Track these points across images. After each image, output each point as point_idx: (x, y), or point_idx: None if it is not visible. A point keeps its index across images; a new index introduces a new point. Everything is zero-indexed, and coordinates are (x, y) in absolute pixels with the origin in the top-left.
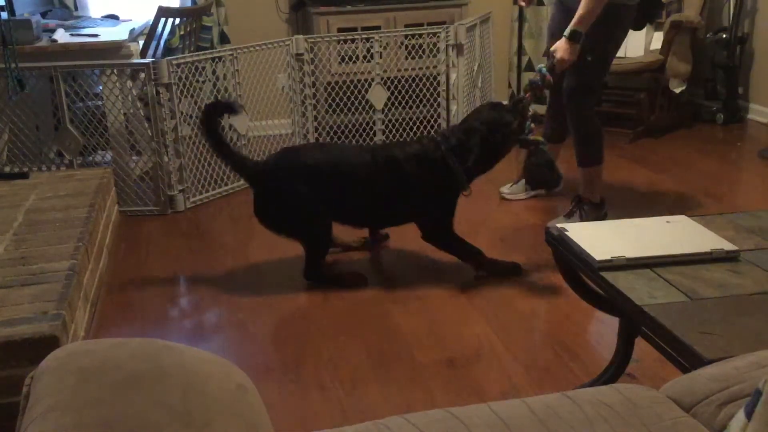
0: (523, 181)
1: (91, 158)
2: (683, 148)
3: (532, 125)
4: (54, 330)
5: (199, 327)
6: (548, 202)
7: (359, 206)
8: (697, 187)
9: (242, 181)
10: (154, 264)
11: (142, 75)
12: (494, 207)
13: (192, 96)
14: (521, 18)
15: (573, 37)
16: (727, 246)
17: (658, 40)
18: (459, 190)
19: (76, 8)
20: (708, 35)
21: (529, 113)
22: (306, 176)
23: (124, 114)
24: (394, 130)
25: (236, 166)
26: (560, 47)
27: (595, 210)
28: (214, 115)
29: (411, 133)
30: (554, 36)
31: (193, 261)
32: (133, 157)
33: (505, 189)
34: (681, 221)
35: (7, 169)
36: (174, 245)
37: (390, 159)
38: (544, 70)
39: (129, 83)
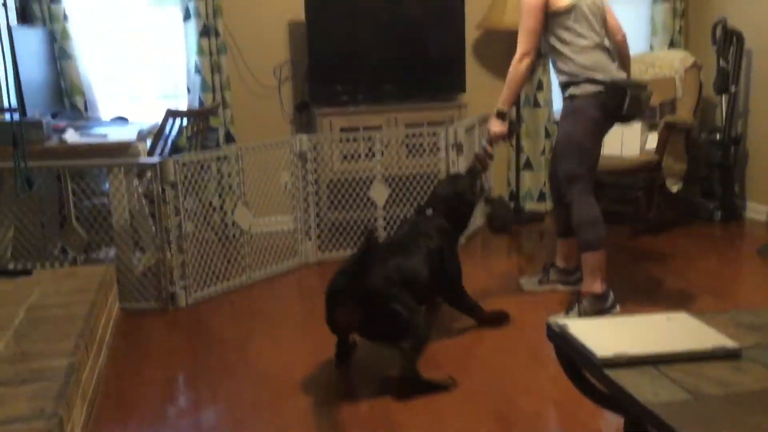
0: (539, 276)
1: (94, 255)
2: (682, 245)
3: (489, 185)
4: (51, 429)
5: (197, 426)
6: (560, 297)
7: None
8: (698, 284)
9: (243, 278)
10: (153, 361)
11: (149, 173)
12: (498, 301)
13: (197, 193)
14: (519, 119)
15: (498, 115)
16: (729, 343)
17: (653, 140)
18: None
19: (87, 110)
20: (702, 135)
21: (484, 178)
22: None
23: (129, 211)
24: (395, 226)
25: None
26: (491, 123)
27: (597, 302)
28: None
29: None
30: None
31: (192, 358)
32: (136, 254)
33: (523, 280)
34: (682, 318)
35: (11, 266)
36: (173, 342)
37: (431, 238)
38: (484, 143)
39: (135, 181)
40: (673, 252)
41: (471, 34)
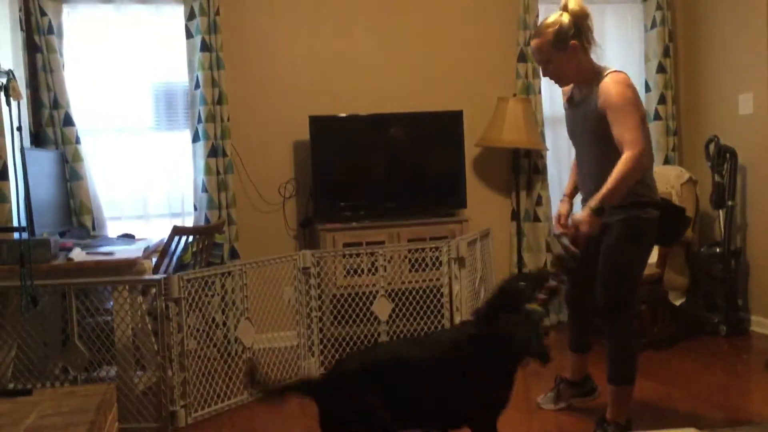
0: (554, 392)
1: (95, 374)
2: (688, 360)
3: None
4: None
5: None
6: (579, 416)
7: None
8: (705, 399)
9: (244, 396)
10: None
11: (153, 290)
12: (518, 422)
13: (200, 310)
14: (519, 233)
15: (597, 213)
16: None
17: (653, 254)
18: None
19: (94, 228)
20: (702, 249)
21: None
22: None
23: (132, 329)
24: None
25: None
26: (584, 220)
27: (622, 430)
28: None
29: None
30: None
31: None
32: (137, 372)
33: (540, 399)
34: None
35: (11, 385)
36: None
37: (456, 346)
38: (566, 241)
39: (140, 298)
40: (679, 367)
41: (470, 151)
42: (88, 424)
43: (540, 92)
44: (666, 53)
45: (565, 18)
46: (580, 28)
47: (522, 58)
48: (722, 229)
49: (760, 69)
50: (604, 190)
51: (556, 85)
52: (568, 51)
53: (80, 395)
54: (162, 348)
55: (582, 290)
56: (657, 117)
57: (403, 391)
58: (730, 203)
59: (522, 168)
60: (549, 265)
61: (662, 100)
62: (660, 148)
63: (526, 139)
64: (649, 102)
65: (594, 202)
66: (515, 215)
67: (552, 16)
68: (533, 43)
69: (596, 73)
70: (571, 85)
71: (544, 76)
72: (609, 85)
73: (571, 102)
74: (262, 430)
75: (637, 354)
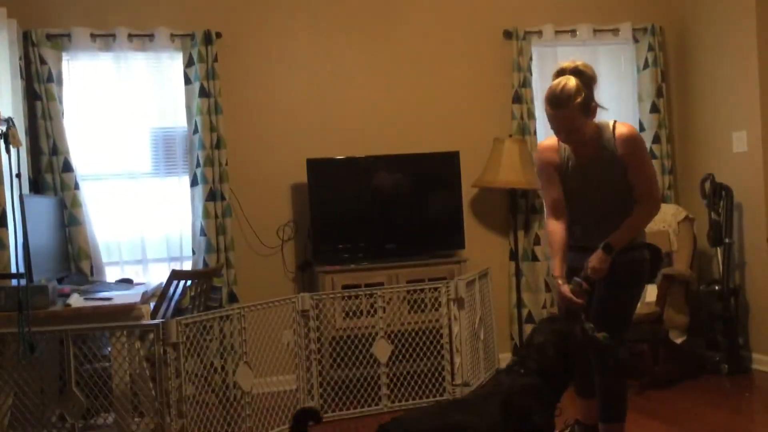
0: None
1: (93, 421)
2: (691, 399)
3: (592, 325)
4: None
5: None
6: None
7: None
8: None
9: None
10: None
11: (151, 335)
12: None
13: (198, 354)
14: (518, 273)
15: (607, 250)
16: None
17: (652, 292)
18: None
19: (92, 274)
20: (701, 287)
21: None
22: None
23: (130, 374)
24: (399, 384)
25: None
26: (596, 257)
27: None
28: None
29: (416, 387)
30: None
31: None
32: (136, 419)
33: None
34: None
35: None
36: None
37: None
38: (579, 279)
39: (137, 344)
40: (681, 406)
41: (468, 192)
42: None
43: (535, 133)
44: (659, 93)
45: (574, 82)
46: (591, 89)
47: (517, 99)
48: (720, 267)
49: (752, 106)
50: (618, 234)
51: (550, 126)
52: (590, 115)
53: None
54: (160, 394)
55: None
56: (652, 156)
57: None
58: (727, 241)
59: (519, 208)
60: (551, 304)
61: (656, 139)
62: None
63: (522, 179)
64: None
65: (605, 240)
66: (514, 255)
67: (567, 81)
68: (558, 113)
69: (597, 126)
70: (558, 147)
71: (564, 141)
72: (627, 136)
73: (579, 158)
74: None
75: (627, 392)
